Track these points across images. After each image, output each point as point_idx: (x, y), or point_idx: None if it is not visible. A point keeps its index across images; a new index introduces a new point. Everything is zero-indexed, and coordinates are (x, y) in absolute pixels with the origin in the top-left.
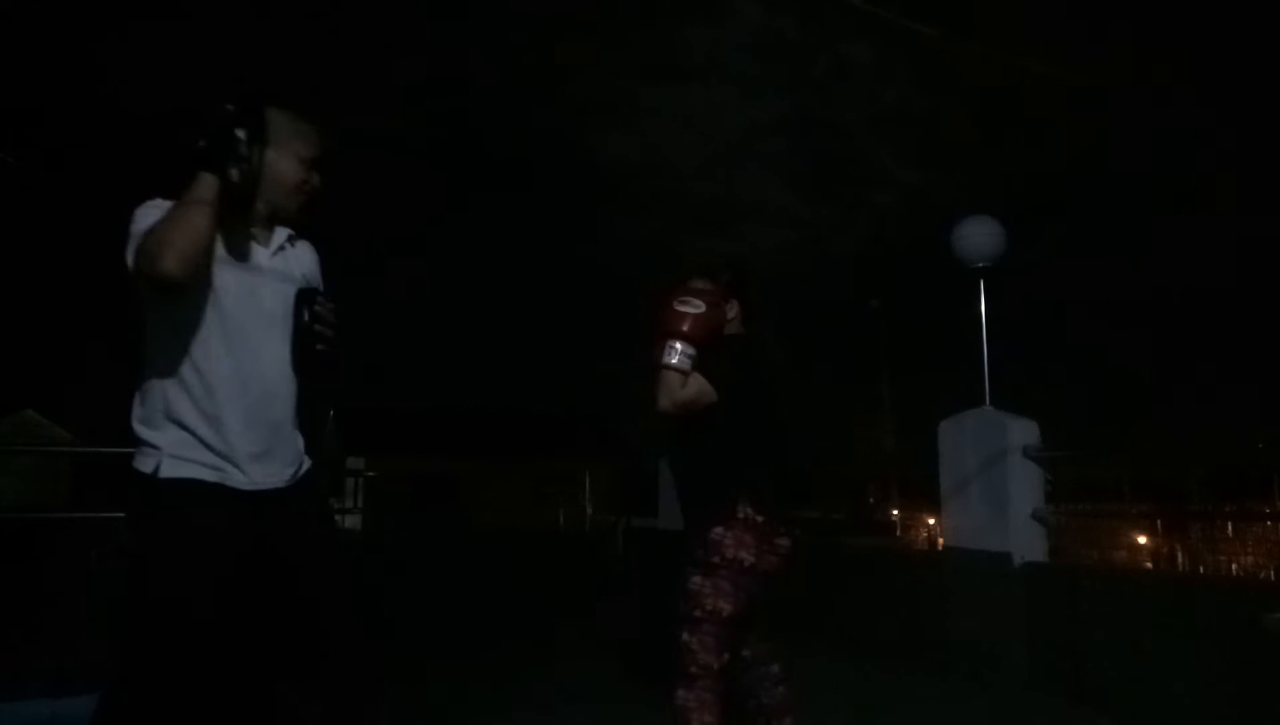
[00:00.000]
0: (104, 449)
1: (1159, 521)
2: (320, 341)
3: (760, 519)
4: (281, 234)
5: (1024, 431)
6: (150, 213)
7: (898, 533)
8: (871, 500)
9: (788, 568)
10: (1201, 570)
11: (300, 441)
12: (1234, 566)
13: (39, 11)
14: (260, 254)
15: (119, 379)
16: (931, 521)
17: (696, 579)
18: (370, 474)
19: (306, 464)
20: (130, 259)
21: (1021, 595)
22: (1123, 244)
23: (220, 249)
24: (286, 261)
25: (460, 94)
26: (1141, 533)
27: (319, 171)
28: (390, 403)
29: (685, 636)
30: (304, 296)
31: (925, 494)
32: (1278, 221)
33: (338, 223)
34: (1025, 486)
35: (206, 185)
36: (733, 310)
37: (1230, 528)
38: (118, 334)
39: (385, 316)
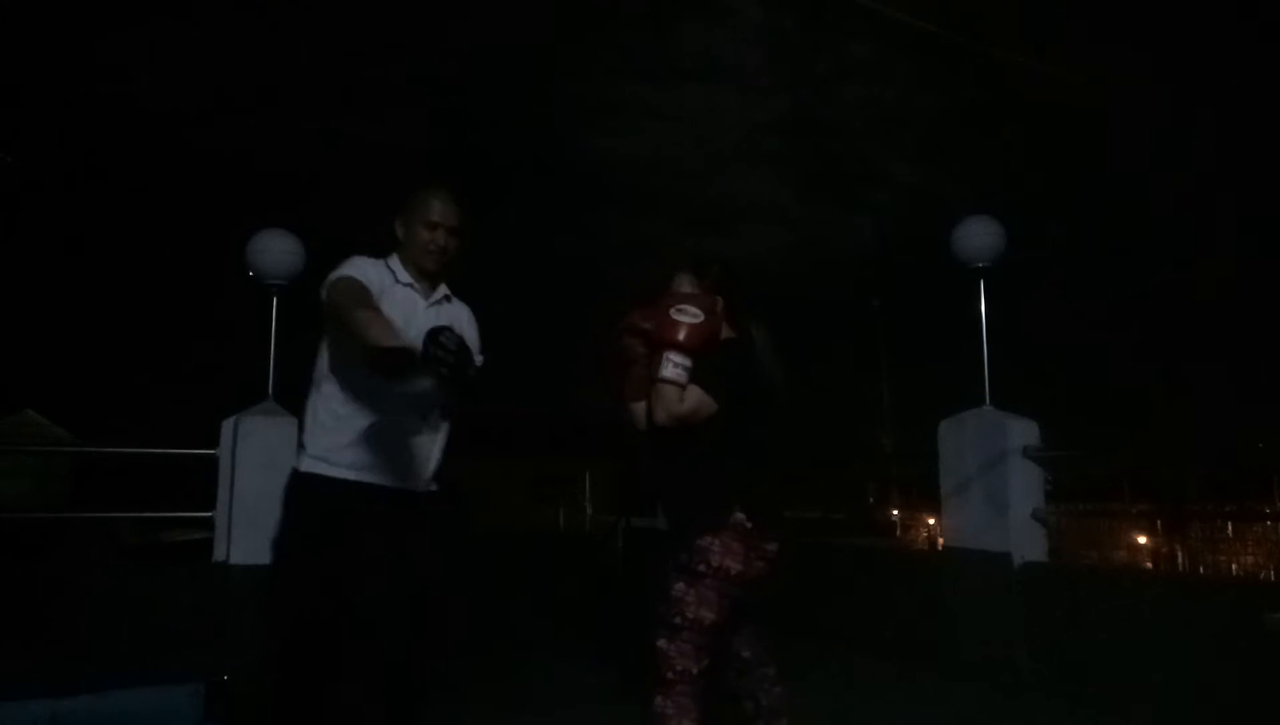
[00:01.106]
0: (104, 449)
1: (1159, 521)
2: (443, 368)
3: (750, 526)
4: (440, 291)
5: (1024, 431)
6: (361, 269)
7: (898, 533)
8: (871, 500)
9: (774, 572)
10: (1201, 570)
11: (427, 461)
12: (1234, 566)
13: (40, 10)
14: (419, 305)
15: (119, 379)
16: (931, 521)
17: (680, 585)
18: None
19: (428, 485)
20: (325, 296)
21: (1021, 595)
22: (1123, 244)
23: (386, 302)
24: (439, 315)
25: (461, 94)
26: (1141, 533)
27: (446, 233)
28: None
29: (663, 644)
30: (431, 333)
31: (925, 494)
32: (1278, 221)
33: (338, 223)
34: (1025, 486)
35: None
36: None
37: (1230, 528)
38: (118, 334)
39: None
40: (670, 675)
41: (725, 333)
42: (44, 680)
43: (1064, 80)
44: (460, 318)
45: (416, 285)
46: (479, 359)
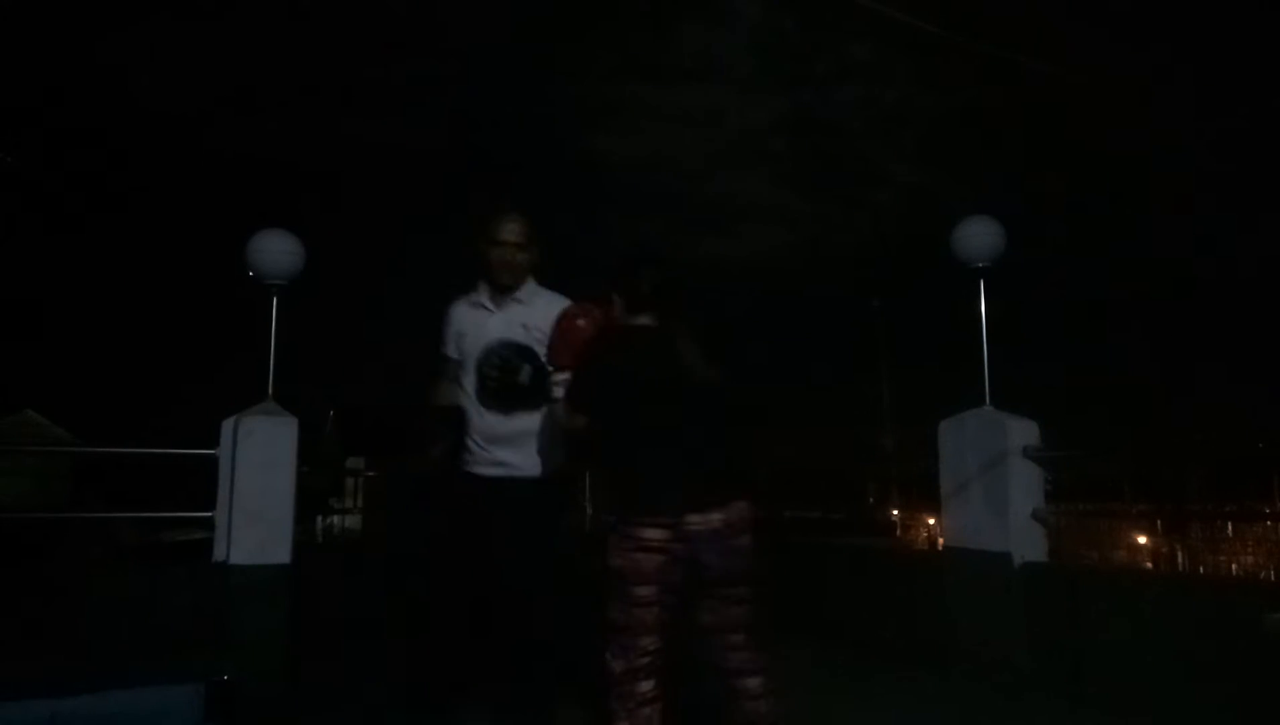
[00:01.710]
0: (104, 449)
1: (1159, 521)
2: (490, 383)
3: (631, 520)
4: (516, 295)
5: (1024, 431)
6: (451, 320)
7: (898, 533)
8: (871, 500)
9: (683, 551)
10: (1201, 570)
11: (521, 456)
12: (1234, 566)
13: (43, 9)
14: (487, 319)
15: (119, 379)
16: (931, 521)
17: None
18: (370, 474)
19: (530, 473)
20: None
21: (1021, 595)
22: (1123, 244)
23: (464, 320)
24: (508, 319)
25: (462, 94)
26: (1141, 533)
27: (512, 248)
28: (390, 403)
29: (606, 653)
30: (484, 353)
31: (925, 494)
32: (1278, 221)
33: (338, 223)
34: (1025, 486)
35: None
36: (616, 307)
37: (1230, 528)
38: (118, 334)
39: (386, 317)
40: (608, 679)
41: (647, 322)
42: (44, 680)
43: (1064, 80)
44: (532, 315)
45: (489, 301)
46: (526, 368)
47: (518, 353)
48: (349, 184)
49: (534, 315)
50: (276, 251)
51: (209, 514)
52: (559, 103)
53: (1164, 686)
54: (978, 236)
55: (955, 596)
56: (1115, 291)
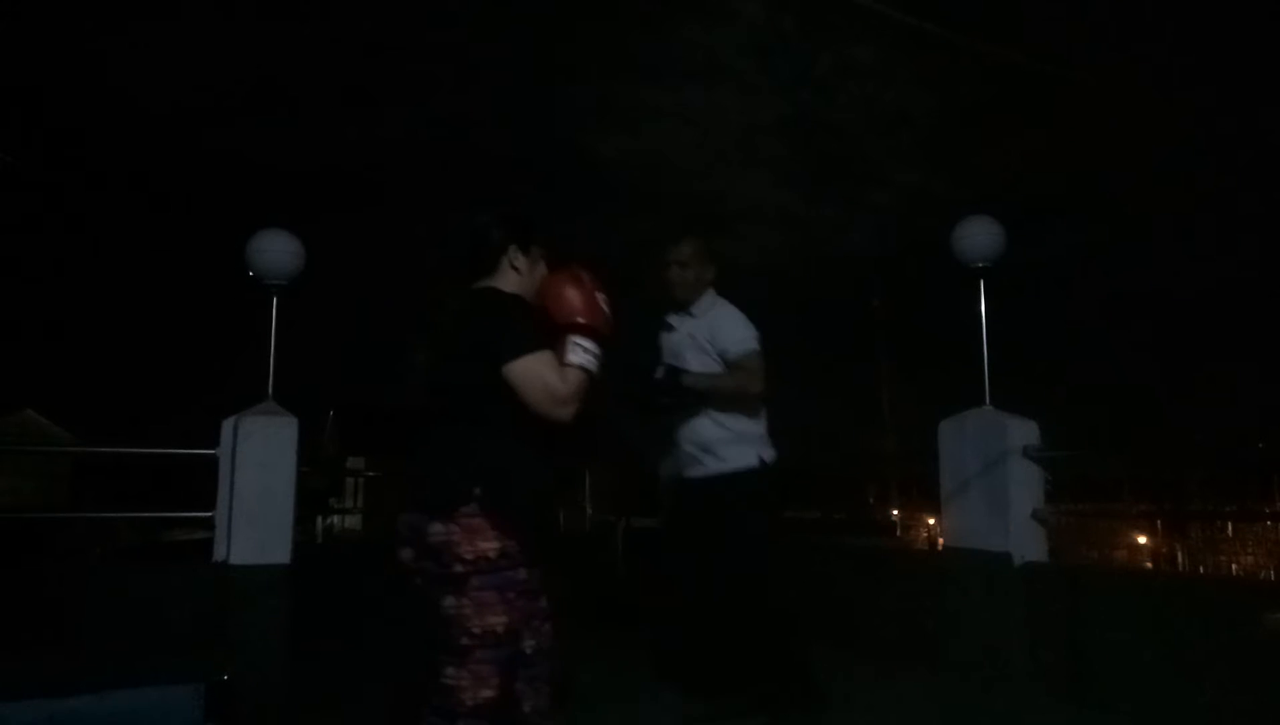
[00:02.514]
0: (104, 449)
1: (1159, 521)
2: (656, 397)
3: (513, 555)
4: (691, 309)
5: (1024, 431)
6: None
7: (898, 533)
8: (871, 500)
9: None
10: (1201, 570)
11: (707, 456)
12: (1234, 566)
13: (44, 9)
14: (671, 335)
15: (119, 379)
16: (931, 521)
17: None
18: (370, 474)
19: (723, 469)
20: None
21: (1021, 595)
22: (1124, 243)
23: (661, 338)
24: (679, 333)
25: (462, 93)
26: (1141, 533)
27: (678, 267)
28: (390, 403)
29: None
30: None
31: (925, 494)
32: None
33: (339, 223)
34: (1025, 486)
35: None
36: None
37: (1230, 528)
38: (118, 334)
39: (386, 317)
40: (463, 710)
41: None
42: (44, 680)
43: (1065, 80)
44: (699, 327)
45: (674, 317)
46: (660, 367)
47: (664, 375)
48: (349, 184)
49: (700, 327)
50: (277, 251)
51: (209, 514)
52: (559, 102)
53: (1164, 686)
54: (978, 236)
55: (955, 596)
56: (1115, 292)
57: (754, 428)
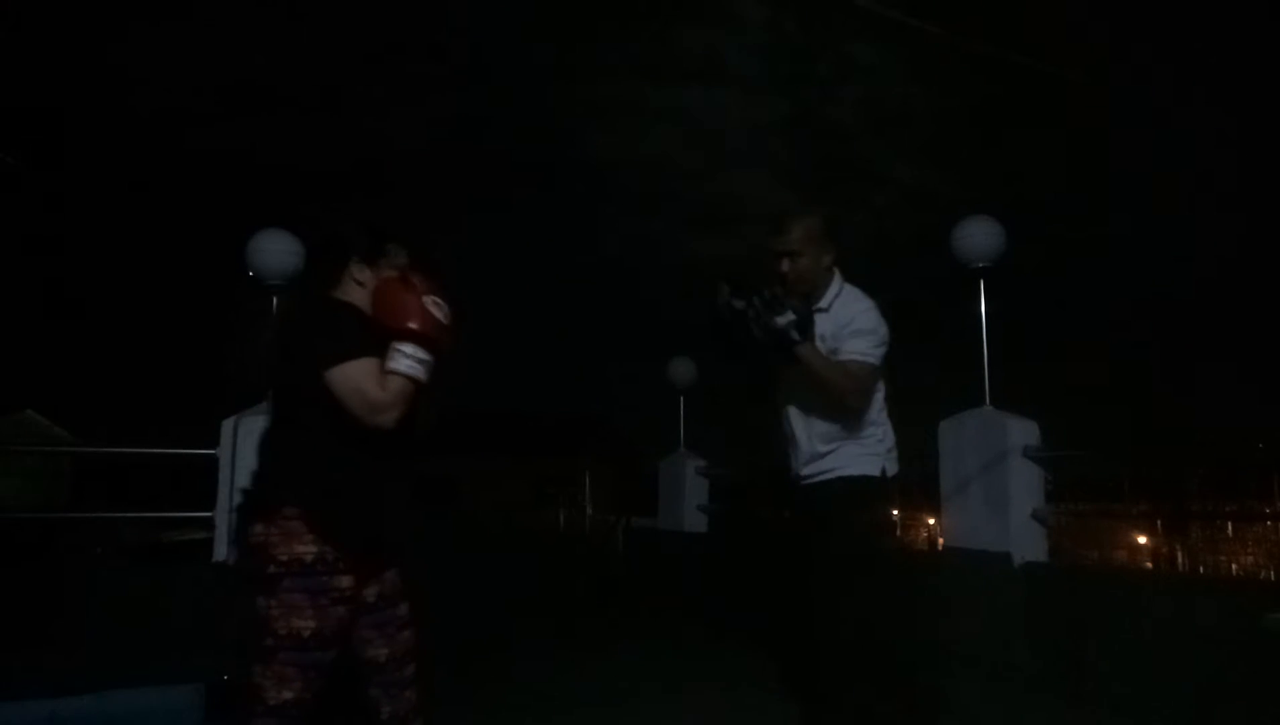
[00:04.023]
0: (104, 449)
1: (1159, 521)
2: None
3: (328, 560)
4: (819, 309)
5: (1024, 431)
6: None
7: (898, 533)
8: None
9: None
10: (1201, 570)
11: (828, 453)
12: (1234, 566)
13: (45, 8)
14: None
15: (119, 379)
16: (931, 521)
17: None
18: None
19: (837, 473)
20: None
21: (1021, 595)
22: (1124, 243)
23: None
24: (825, 329)
25: (463, 93)
26: (1141, 533)
27: (785, 258)
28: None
29: (257, 669)
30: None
31: (925, 494)
32: (1278, 220)
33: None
34: (1025, 486)
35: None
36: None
37: (1230, 528)
38: (118, 334)
39: None
40: (262, 709)
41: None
42: (44, 680)
43: (1065, 80)
44: (825, 322)
45: (798, 311)
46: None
47: (788, 304)
48: (349, 184)
49: (826, 322)
50: (276, 251)
51: (209, 514)
52: (559, 102)
53: (1164, 686)
54: (978, 236)
55: (955, 596)
56: (1115, 292)
57: (879, 436)
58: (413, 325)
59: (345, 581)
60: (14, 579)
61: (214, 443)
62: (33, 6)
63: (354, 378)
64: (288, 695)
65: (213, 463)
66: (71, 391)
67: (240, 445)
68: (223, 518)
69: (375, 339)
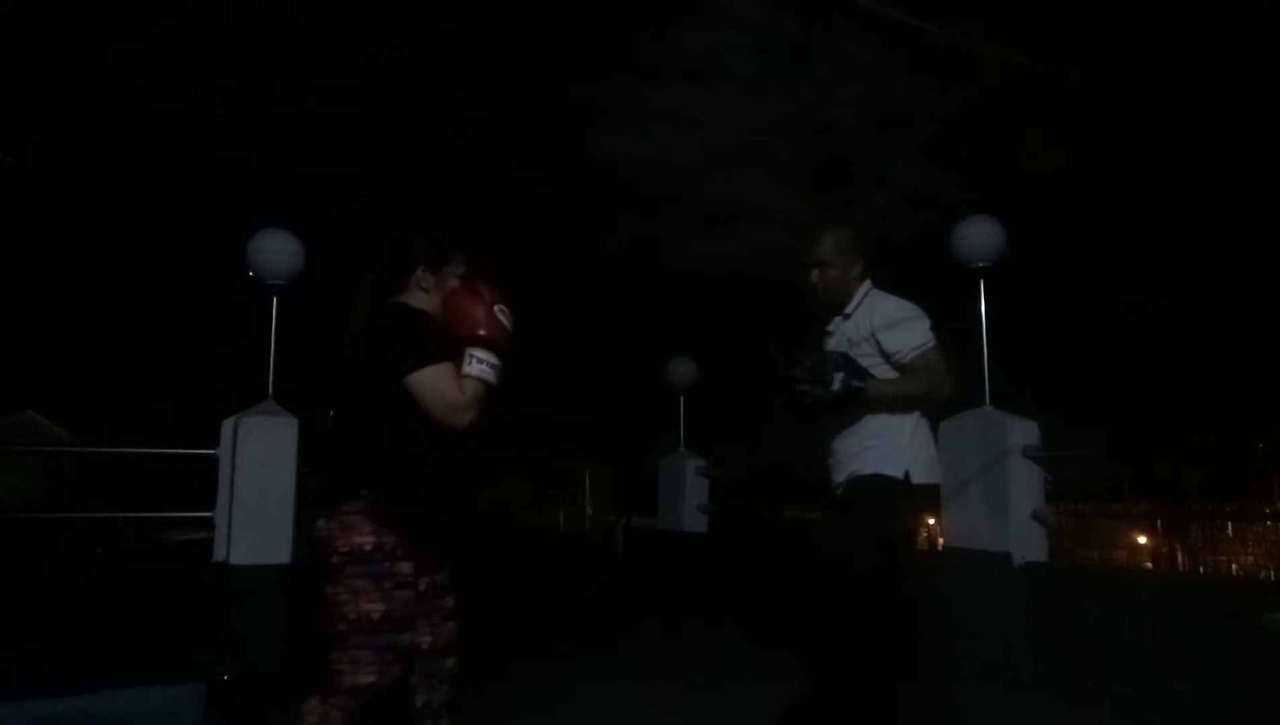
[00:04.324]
0: (104, 449)
1: (1159, 521)
2: (801, 395)
3: (389, 547)
4: (844, 310)
5: (1024, 431)
6: None
7: (916, 545)
8: None
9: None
10: (1201, 570)
11: (851, 460)
12: (1234, 566)
13: (44, 11)
14: (828, 339)
15: (119, 379)
16: (931, 521)
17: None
18: None
19: (853, 474)
20: None
21: (1021, 595)
22: (1124, 243)
23: (825, 341)
24: (852, 332)
25: (462, 92)
26: (1141, 533)
27: (814, 269)
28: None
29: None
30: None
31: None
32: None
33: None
34: (1025, 486)
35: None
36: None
37: (1230, 528)
38: (118, 334)
39: None
40: (337, 692)
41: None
42: (44, 680)
43: (1065, 80)
44: (858, 327)
45: (831, 323)
46: (839, 376)
47: (832, 361)
48: (349, 184)
49: (857, 326)
50: (277, 251)
51: (209, 514)
52: (559, 102)
53: (1164, 686)
54: (977, 236)
55: (955, 596)
56: (1116, 292)
57: (905, 439)
58: (483, 332)
59: (406, 568)
60: (14, 579)
61: (214, 443)
62: (34, 6)
63: (435, 381)
64: (365, 679)
65: (213, 463)
66: (71, 391)
67: (240, 445)
68: (223, 518)
69: (444, 344)
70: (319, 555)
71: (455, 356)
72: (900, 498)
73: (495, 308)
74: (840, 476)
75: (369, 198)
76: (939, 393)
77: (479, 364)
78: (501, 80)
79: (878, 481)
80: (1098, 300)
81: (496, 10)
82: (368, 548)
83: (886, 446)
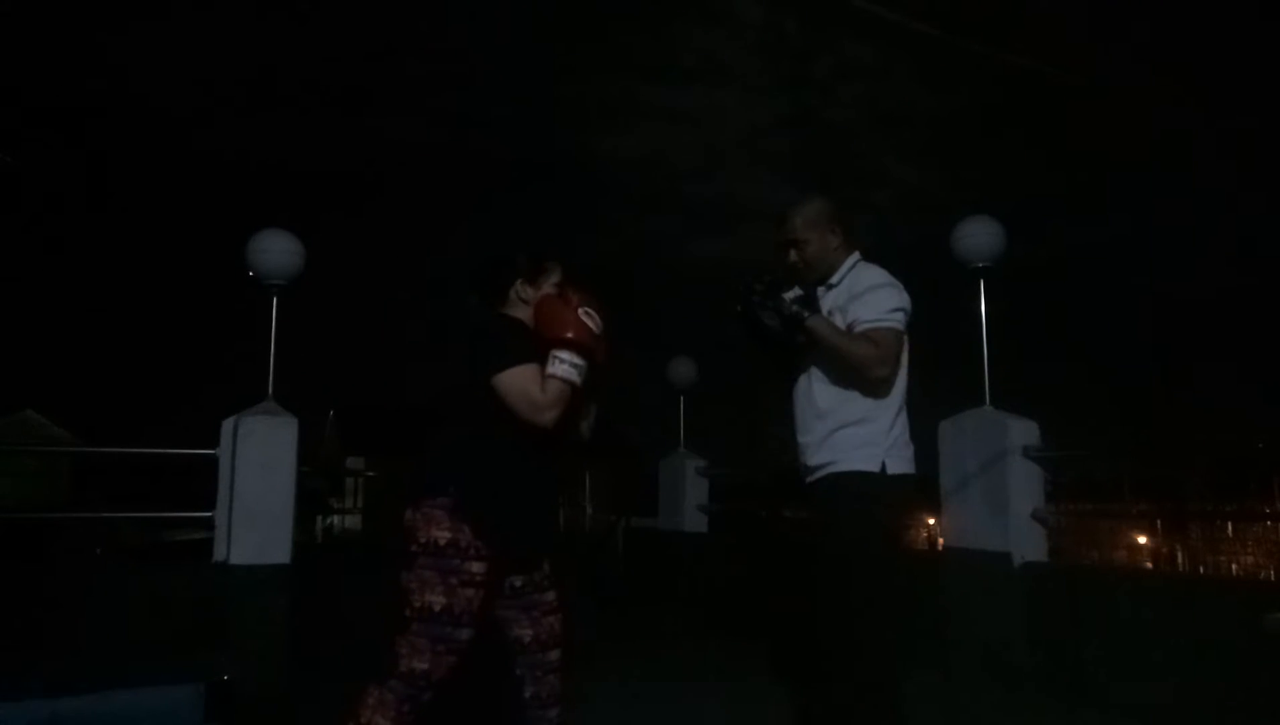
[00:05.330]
0: (104, 449)
1: (1159, 521)
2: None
3: (463, 546)
4: (827, 287)
5: (1024, 431)
6: None
7: (902, 540)
8: None
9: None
10: (1201, 570)
11: (828, 449)
12: (1234, 566)
13: (45, 11)
14: (821, 302)
15: (119, 379)
16: (931, 521)
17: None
18: (370, 474)
19: (831, 470)
20: None
21: (1021, 595)
22: (1124, 243)
23: None
24: (834, 303)
25: (462, 93)
26: (1141, 533)
27: (791, 248)
28: (390, 403)
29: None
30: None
31: (925, 494)
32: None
33: (339, 223)
34: (1025, 486)
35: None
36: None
37: (1230, 528)
38: (118, 334)
39: (387, 317)
40: (393, 674)
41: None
42: (44, 680)
43: (1064, 80)
44: (838, 296)
45: (818, 293)
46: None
47: (784, 288)
48: (349, 184)
49: (834, 296)
50: (277, 252)
51: (209, 514)
52: (559, 103)
53: (1164, 686)
54: (977, 236)
55: (955, 596)
56: (1116, 292)
57: (883, 427)
58: (569, 334)
59: (477, 567)
60: (14, 579)
61: (214, 443)
62: (35, 6)
63: (518, 381)
64: (419, 665)
65: (213, 463)
66: (71, 391)
67: (240, 445)
68: (222, 518)
69: (536, 349)
70: (404, 543)
71: (545, 359)
72: (884, 495)
73: (581, 311)
74: (814, 460)
75: (369, 198)
76: (872, 370)
77: (562, 365)
78: (502, 80)
79: (861, 481)
80: (1098, 300)
81: (497, 10)
82: (443, 542)
83: (864, 434)
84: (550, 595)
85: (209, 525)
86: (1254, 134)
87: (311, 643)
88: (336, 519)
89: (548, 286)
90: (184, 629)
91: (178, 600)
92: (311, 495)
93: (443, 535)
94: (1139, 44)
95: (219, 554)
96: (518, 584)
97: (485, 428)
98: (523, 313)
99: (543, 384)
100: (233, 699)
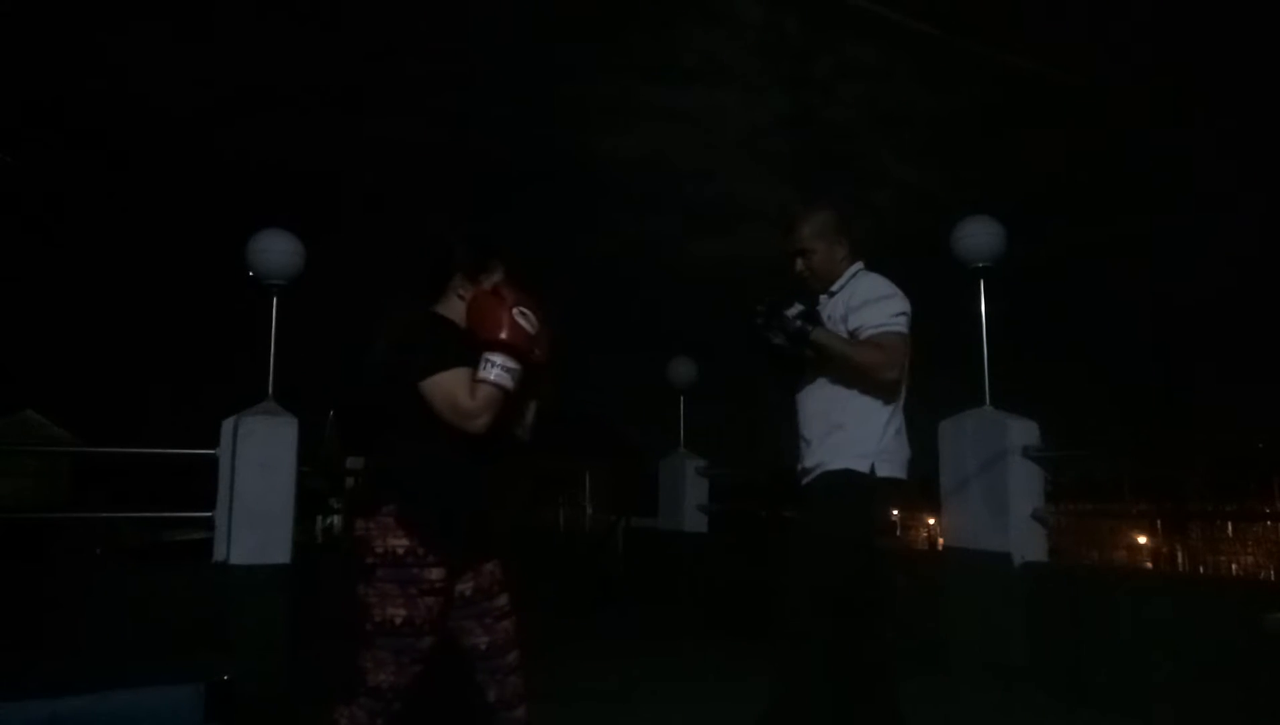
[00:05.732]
0: (104, 449)
1: (1159, 521)
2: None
3: (420, 555)
4: (828, 295)
5: (1024, 431)
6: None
7: (898, 533)
8: None
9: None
10: (1201, 570)
11: (822, 450)
12: (1234, 566)
13: (46, 11)
14: (821, 310)
15: (119, 379)
16: (931, 521)
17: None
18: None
19: (822, 469)
20: None
21: (1021, 595)
22: (1124, 243)
23: None
24: (834, 311)
25: (462, 93)
26: (1141, 533)
27: (797, 256)
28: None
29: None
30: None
31: (925, 494)
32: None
33: (339, 223)
34: (1025, 486)
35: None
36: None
37: (1230, 528)
38: (118, 334)
39: (387, 317)
40: (362, 690)
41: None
42: (44, 680)
43: (1064, 81)
44: (838, 305)
45: (819, 302)
46: (797, 306)
47: (790, 305)
48: (350, 184)
49: (834, 306)
50: (277, 251)
51: (209, 514)
52: (559, 103)
53: (1164, 686)
54: (977, 236)
55: (955, 596)
56: (1116, 292)
57: (878, 432)
58: (502, 336)
59: (435, 574)
60: (14, 579)
61: (214, 443)
62: (36, 6)
63: (446, 387)
64: (384, 678)
65: (213, 463)
66: (71, 391)
67: (240, 445)
68: (222, 518)
69: (470, 350)
70: (358, 554)
71: (476, 362)
72: (869, 494)
73: (516, 311)
74: (810, 461)
75: (369, 198)
76: (880, 373)
77: (494, 368)
78: (502, 80)
79: (847, 479)
80: (1098, 300)
81: (496, 10)
82: (401, 550)
83: (857, 434)
84: (502, 600)
85: (209, 525)
86: (1254, 134)
87: (311, 643)
88: (336, 519)
89: (487, 285)
90: (184, 629)
91: (178, 600)
92: (312, 495)
93: (400, 544)
94: (1139, 44)
95: (219, 554)
96: (468, 593)
97: (418, 432)
98: (460, 310)
99: (472, 390)
100: (233, 699)
